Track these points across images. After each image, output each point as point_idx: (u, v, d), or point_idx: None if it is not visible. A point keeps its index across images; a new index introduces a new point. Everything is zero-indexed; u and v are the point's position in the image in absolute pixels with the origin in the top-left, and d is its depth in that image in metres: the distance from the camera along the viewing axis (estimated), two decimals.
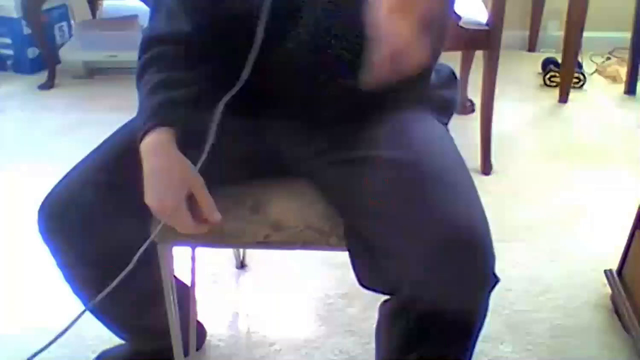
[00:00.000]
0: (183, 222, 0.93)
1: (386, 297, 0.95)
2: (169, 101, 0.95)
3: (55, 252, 1.03)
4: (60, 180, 1.01)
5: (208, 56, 1.01)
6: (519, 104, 2.64)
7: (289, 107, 1.00)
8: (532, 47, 3.19)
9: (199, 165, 0.93)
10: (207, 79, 0.99)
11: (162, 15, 1.03)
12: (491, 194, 1.97)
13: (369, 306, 1.52)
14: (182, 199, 0.91)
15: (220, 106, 0.94)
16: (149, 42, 1.01)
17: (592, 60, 2.99)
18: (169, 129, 0.94)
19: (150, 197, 0.91)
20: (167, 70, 0.98)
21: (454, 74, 1.18)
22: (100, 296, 0.95)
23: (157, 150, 0.93)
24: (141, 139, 0.93)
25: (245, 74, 0.94)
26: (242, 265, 1.70)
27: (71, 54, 2.90)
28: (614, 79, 2.86)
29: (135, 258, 0.94)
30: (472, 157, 2.11)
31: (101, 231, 0.98)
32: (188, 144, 0.95)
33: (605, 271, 1.56)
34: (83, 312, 0.98)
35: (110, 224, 0.98)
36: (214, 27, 0.98)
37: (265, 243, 1.04)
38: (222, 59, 1.01)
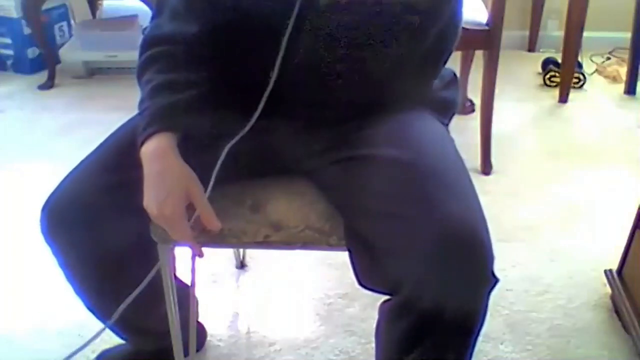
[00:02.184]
0: (180, 231, 0.92)
1: (386, 297, 0.95)
2: (170, 105, 0.95)
3: (57, 252, 1.03)
4: (63, 180, 1.01)
5: (213, 58, 1.00)
6: (519, 104, 2.64)
7: (289, 107, 1.00)
8: (532, 47, 3.19)
9: (207, 193, 0.93)
10: (210, 81, 0.99)
11: (165, 15, 1.02)
12: (491, 194, 1.97)
13: (368, 306, 1.52)
14: (182, 207, 0.91)
15: (227, 148, 0.94)
16: (151, 41, 1.01)
17: (592, 60, 2.99)
18: (171, 134, 0.94)
19: (150, 203, 0.91)
20: (170, 71, 0.98)
21: (455, 75, 1.18)
22: (117, 312, 0.97)
23: (158, 156, 0.92)
24: (142, 144, 0.93)
25: (256, 114, 0.95)
26: (242, 265, 1.70)
27: (71, 54, 2.90)
28: (614, 79, 2.86)
29: (147, 278, 0.96)
30: (472, 157, 2.11)
31: (103, 231, 0.98)
32: (189, 148, 0.95)
33: (605, 271, 1.56)
34: (103, 329, 1.01)
35: (113, 224, 0.98)
36: (224, 29, 0.98)
37: (265, 243, 1.04)
38: (228, 61, 1.00)
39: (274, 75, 0.94)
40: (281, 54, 0.92)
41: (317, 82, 0.98)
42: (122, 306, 0.96)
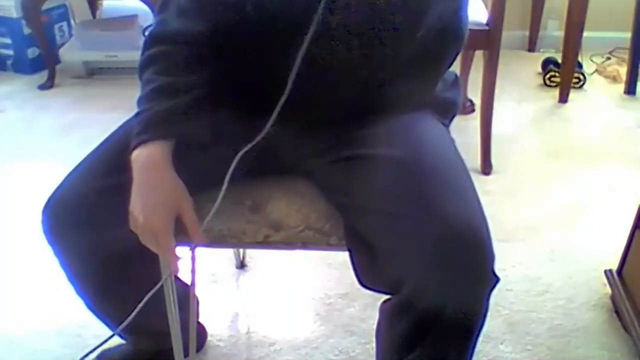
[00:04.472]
0: (165, 244, 0.92)
1: (386, 296, 0.95)
2: (167, 111, 0.94)
3: (59, 252, 1.03)
4: (63, 181, 1.01)
5: (216, 59, 0.99)
6: (519, 104, 2.64)
7: (290, 107, 1.00)
8: (532, 47, 3.19)
9: (208, 218, 0.93)
10: (211, 83, 0.98)
11: (172, 10, 1.01)
12: (491, 193, 1.97)
13: (368, 306, 1.53)
14: (171, 220, 0.91)
15: (238, 156, 0.93)
16: (155, 38, 1.00)
17: (592, 60, 2.99)
18: (164, 142, 0.93)
19: (136, 210, 0.90)
20: (169, 74, 0.97)
21: (457, 77, 1.18)
22: (124, 324, 0.96)
23: (150, 166, 0.92)
24: (134, 148, 0.92)
25: (268, 125, 0.93)
26: (242, 265, 1.70)
27: (71, 54, 2.90)
28: (614, 79, 2.86)
29: (153, 291, 0.95)
30: (472, 157, 2.11)
31: (105, 231, 0.98)
32: (188, 151, 0.94)
33: (605, 271, 1.56)
34: (111, 336, 1.01)
35: (114, 225, 0.97)
36: (229, 29, 0.97)
37: (265, 243, 1.04)
38: (231, 62, 1.00)
39: (291, 78, 0.91)
40: (301, 54, 0.90)
41: (317, 83, 0.98)
42: (131, 316, 0.95)
